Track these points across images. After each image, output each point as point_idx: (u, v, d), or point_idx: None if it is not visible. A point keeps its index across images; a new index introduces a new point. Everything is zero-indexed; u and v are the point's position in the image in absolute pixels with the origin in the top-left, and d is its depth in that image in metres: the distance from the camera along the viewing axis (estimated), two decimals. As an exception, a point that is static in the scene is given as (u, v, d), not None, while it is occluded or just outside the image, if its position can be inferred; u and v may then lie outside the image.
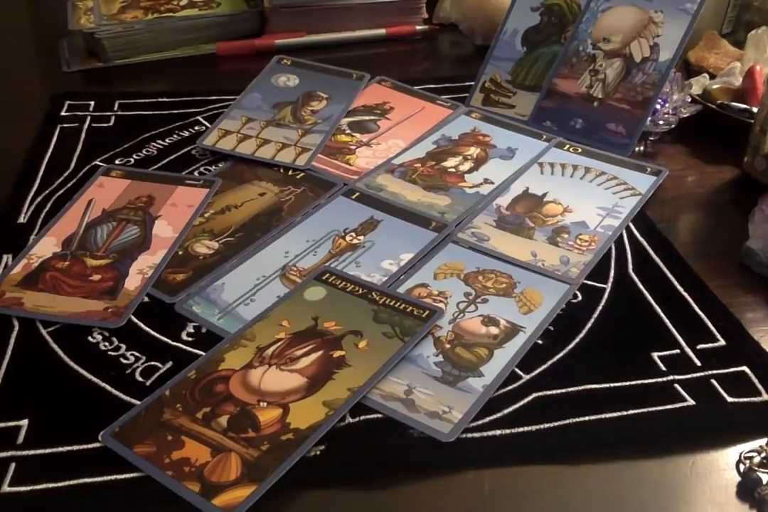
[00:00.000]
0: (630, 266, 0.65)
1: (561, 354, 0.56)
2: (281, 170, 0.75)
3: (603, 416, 0.52)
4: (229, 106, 0.83)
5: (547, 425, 0.51)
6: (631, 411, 0.52)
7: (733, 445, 0.51)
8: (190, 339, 0.57)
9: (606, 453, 0.50)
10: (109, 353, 0.56)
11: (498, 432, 0.50)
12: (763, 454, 0.49)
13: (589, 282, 0.63)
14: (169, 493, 0.46)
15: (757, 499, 0.47)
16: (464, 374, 0.54)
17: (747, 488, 0.48)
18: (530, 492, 0.48)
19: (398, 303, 0.58)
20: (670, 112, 0.81)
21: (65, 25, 0.98)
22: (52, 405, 0.52)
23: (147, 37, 0.97)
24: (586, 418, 0.51)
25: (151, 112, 0.85)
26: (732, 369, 0.56)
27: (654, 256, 0.66)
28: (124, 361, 0.55)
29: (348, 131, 0.81)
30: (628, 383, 0.54)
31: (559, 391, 0.53)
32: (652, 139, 0.82)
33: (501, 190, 0.73)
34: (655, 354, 0.57)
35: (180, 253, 0.65)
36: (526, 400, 0.53)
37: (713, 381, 0.55)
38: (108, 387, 0.53)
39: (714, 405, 0.53)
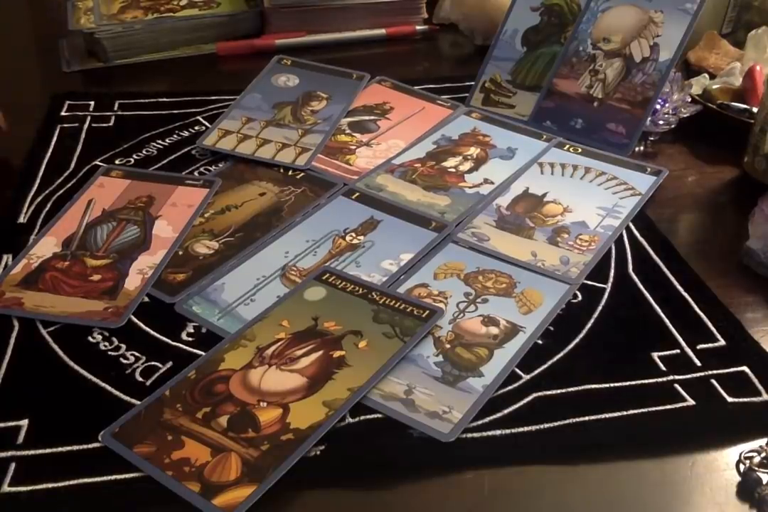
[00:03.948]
0: (630, 266, 0.65)
1: (561, 354, 0.56)
2: (281, 170, 0.75)
3: (603, 416, 0.52)
4: (229, 106, 0.83)
5: (547, 425, 0.51)
6: (631, 411, 0.52)
7: (733, 445, 0.51)
8: (190, 339, 0.57)
9: (606, 453, 0.50)
10: (109, 353, 0.56)
11: (498, 432, 0.50)
12: (763, 454, 0.49)
13: (589, 283, 0.63)
14: (169, 493, 0.46)
15: (757, 499, 0.47)
16: (464, 374, 0.54)
17: (747, 488, 0.48)
18: (530, 492, 0.48)
19: (398, 303, 0.58)
20: (670, 112, 0.81)
21: (65, 25, 0.98)
22: (52, 405, 0.52)
23: (147, 37, 0.97)
24: (586, 418, 0.51)
25: (151, 112, 0.85)
26: (732, 369, 0.56)
27: (654, 256, 0.66)
28: (124, 361, 0.55)
29: (348, 131, 0.81)
30: (628, 383, 0.54)
31: (559, 391, 0.53)
32: (652, 139, 0.82)
33: (501, 190, 0.73)
34: (655, 354, 0.57)
35: (180, 252, 0.65)
36: (526, 400, 0.53)
37: (713, 381, 0.55)
38: (108, 387, 0.53)
39: (714, 405, 0.53)
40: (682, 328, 0.59)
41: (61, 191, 0.72)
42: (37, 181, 0.73)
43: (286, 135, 0.79)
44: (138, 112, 0.85)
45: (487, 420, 0.51)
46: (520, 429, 0.51)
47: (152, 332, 0.58)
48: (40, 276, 0.61)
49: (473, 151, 0.79)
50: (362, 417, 0.51)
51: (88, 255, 0.64)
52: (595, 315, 0.60)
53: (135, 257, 0.64)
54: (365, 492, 0.48)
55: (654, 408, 0.52)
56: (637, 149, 0.81)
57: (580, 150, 0.79)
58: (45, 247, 0.64)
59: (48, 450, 0.49)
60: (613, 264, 0.65)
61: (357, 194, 0.72)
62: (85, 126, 0.82)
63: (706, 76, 0.88)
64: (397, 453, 0.49)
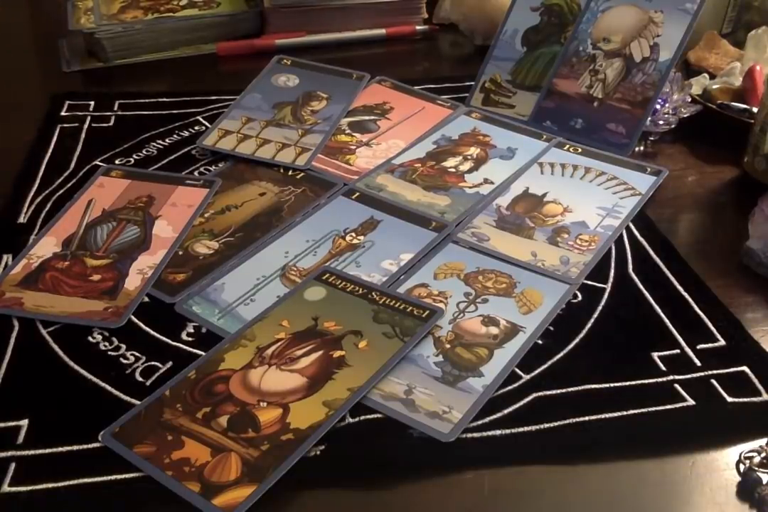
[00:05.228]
0: (630, 266, 0.65)
1: (561, 354, 0.56)
2: (281, 170, 0.75)
3: (603, 416, 0.52)
4: (229, 106, 0.83)
5: (547, 425, 0.51)
6: (630, 411, 0.52)
7: (733, 445, 0.51)
8: (190, 339, 0.57)
9: (606, 453, 0.50)
10: (109, 353, 0.56)
11: (498, 432, 0.50)
12: (763, 454, 0.49)
13: (589, 283, 0.63)
14: (169, 493, 0.46)
15: (757, 499, 0.47)
16: (464, 374, 0.54)
17: (747, 488, 0.48)
18: (530, 492, 0.48)
19: (398, 303, 0.58)
20: (670, 112, 0.81)
21: (65, 25, 0.98)
22: (52, 405, 0.52)
23: (147, 37, 0.97)
24: (586, 418, 0.51)
25: (151, 112, 0.85)
26: (732, 369, 0.56)
27: (654, 256, 0.66)
28: (124, 361, 0.55)
29: (348, 131, 0.81)
30: (628, 383, 0.54)
31: (558, 391, 0.53)
32: (652, 139, 0.82)
33: (501, 190, 0.73)
34: (655, 354, 0.57)
35: (180, 252, 0.65)
36: (526, 400, 0.53)
37: (713, 381, 0.55)
38: (108, 387, 0.53)
39: (714, 405, 0.53)
40: (682, 328, 0.59)
41: (61, 191, 0.72)
42: (37, 181, 0.73)
43: (286, 135, 0.79)
44: (138, 112, 0.85)
45: (487, 420, 0.51)
46: (520, 429, 0.51)
47: (152, 332, 0.58)
48: (40, 276, 0.61)
49: (473, 151, 0.79)
50: (362, 417, 0.51)
51: (88, 255, 0.64)
52: (595, 315, 0.60)
53: (135, 257, 0.64)
54: (365, 492, 0.48)
55: (654, 408, 0.52)
56: (637, 149, 0.81)
57: (580, 150, 0.79)
58: (45, 247, 0.64)
59: (48, 450, 0.49)
60: (613, 264, 0.65)
61: (357, 194, 0.72)
62: (85, 126, 0.82)
63: (706, 76, 0.88)
64: (397, 453, 0.49)
